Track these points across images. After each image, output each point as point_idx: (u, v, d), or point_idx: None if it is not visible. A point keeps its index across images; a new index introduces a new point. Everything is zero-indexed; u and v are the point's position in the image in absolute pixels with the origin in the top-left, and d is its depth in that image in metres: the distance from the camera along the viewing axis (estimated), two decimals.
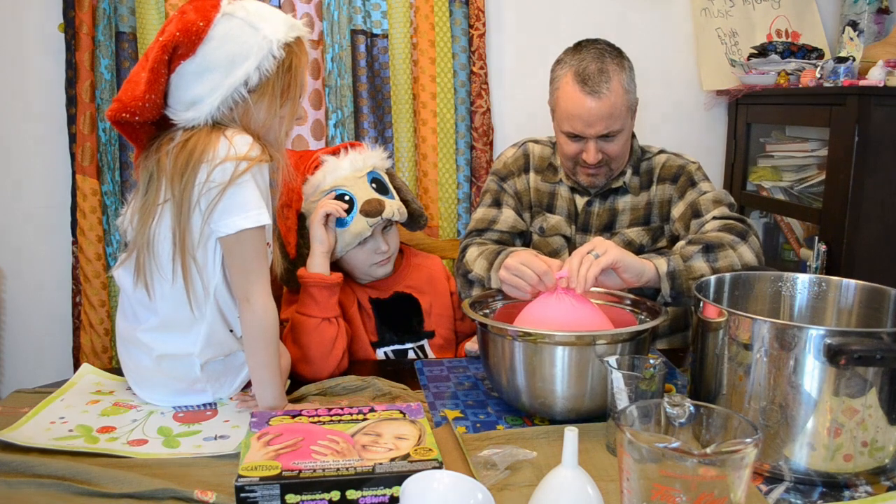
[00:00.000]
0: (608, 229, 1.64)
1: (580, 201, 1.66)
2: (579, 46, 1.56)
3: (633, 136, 1.65)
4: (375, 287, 1.63)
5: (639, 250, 1.60)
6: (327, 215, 1.47)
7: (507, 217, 1.67)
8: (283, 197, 1.49)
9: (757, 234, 1.47)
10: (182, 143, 1.16)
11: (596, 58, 1.51)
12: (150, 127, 1.22)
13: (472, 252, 1.59)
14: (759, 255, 1.43)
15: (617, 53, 1.55)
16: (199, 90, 1.17)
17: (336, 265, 1.54)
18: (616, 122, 1.51)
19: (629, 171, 1.63)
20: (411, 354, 1.62)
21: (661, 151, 1.68)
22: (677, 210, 1.59)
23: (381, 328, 1.61)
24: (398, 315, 1.63)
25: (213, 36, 1.15)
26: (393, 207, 1.54)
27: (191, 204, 1.14)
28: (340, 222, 1.51)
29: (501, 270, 1.38)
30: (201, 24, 1.15)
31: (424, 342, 1.64)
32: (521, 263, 1.34)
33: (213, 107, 1.17)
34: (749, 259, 1.40)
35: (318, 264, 1.46)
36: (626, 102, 1.52)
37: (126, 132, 1.21)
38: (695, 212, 1.55)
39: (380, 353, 1.60)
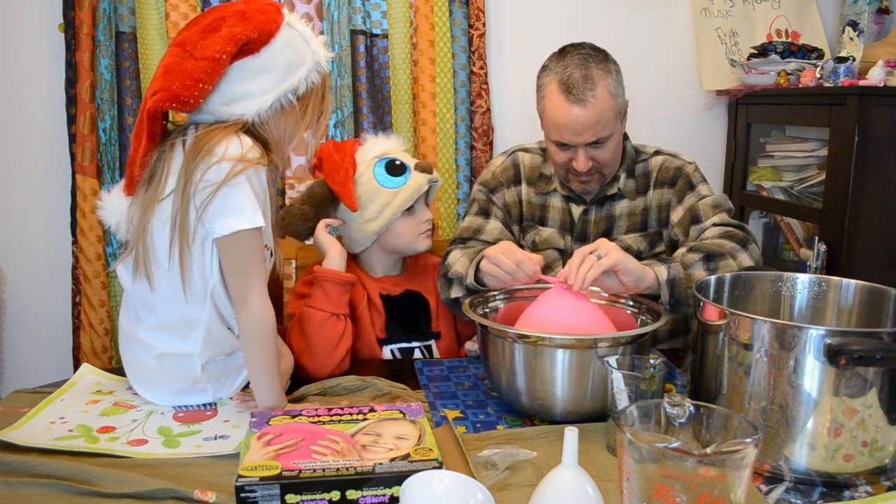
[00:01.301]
0: (605, 236, 1.61)
1: (576, 210, 1.64)
2: (563, 52, 1.53)
3: (626, 137, 1.63)
4: (387, 283, 1.64)
5: (636, 256, 1.57)
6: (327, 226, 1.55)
7: (494, 228, 1.64)
8: (335, 163, 1.58)
9: (756, 241, 1.47)
10: (200, 138, 1.17)
11: (580, 64, 1.48)
12: (164, 125, 1.23)
13: (455, 254, 1.57)
14: (759, 262, 1.43)
15: (602, 57, 1.51)
16: (252, 87, 1.19)
17: (378, 247, 1.61)
18: (604, 129, 1.49)
19: (623, 176, 1.61)
20: (417, 354, 1.63)
21: (657, 152, 1.65)
22: (676, 215, 1.58)
23: (391, 325, 1.61)
24: (408, 313, 1.64)
25: (279, 39, 1.20)
26: (437, 174, 1.64)
27: (190, 193, 1.15)
28: (394, 182, 1.55)
29: (483, 261, 1.39)
30: (273, 26, 1.19)
31: (432, 343, 1.64)
32: (501, 253, 1.36)
33: (264, 106, 1.20)
34: (748, 267, 1.40)
35: (334, 263, 1.49)
36: (614, 107, 1.49)
37: (152, 125, 1.20)
38: (694, 217, 1.54)
39: (386, 351, 1.60)
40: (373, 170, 1.56)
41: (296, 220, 1.57)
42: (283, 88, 1.20)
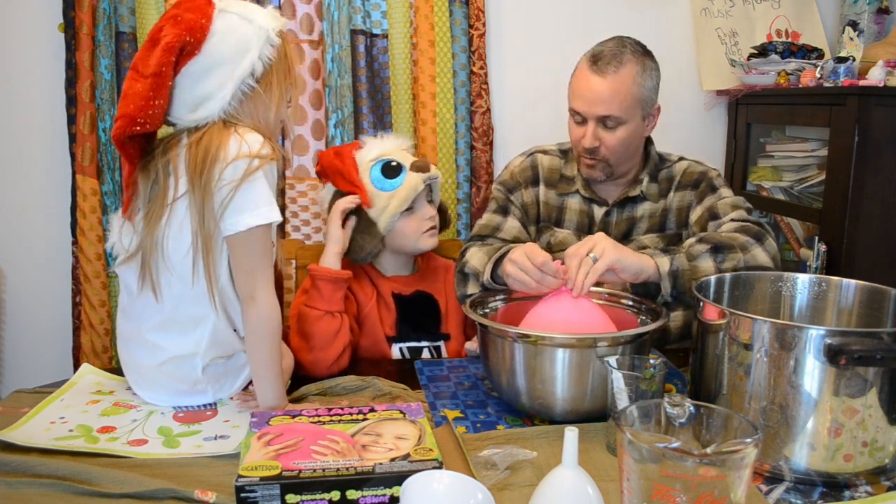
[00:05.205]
0: (625, 238, 1.61)
1: (598, 212, 1.63)
2: (611, 38, 1.56)
3: (651, 142, 1.64)
4: (398, 282, 1.65)
5: None
6: (346, 219, 1.54)
7: (512, 226, 1.63)
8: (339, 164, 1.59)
9: (773, 236, 1.44)
10: (195, 142, 1.16)
11: (616, 44, 1.51)
12: (143, 141, 1.22)
13: (472, 251, 1.57)
14: (776, 257, 1.40)
15: (641, 51, 1.53)
16: (207, 87, 1.18)
17: (388, 248, 1.62)
18: (617, 109, 1.48)
19: (646, 179, 1.61)
20: (426, 354, 1.63)
21: (682, 158, 1.66)
22: (695, 214, 1.57)
23: (402, 324, 1.62)
24: (418, 313, 1.65)
25: (215, 31, 1.17)
26: (435, 170, 1.63)
27: (213, 206, 1.14)
28: (390, 184, 1.55)
29: (507, 264, 1.35)
30: (203, 21, 1.16)
31: (441, 343, 1.65)
32: (525, 254, 1.31)
33: (225, 101, 1.18)
34: (763, 261, 1.37)
35: (330, 262, 1.50)
36: (634, 94, 1.49)
37: (126, 150, 1.20)
38: (712, 215, 1.53)
39: (396, 349, 1.60)
40: (370, 173, 1.56)
41: (365, 241, 1.58)
42: (238, 77, 1.18)
